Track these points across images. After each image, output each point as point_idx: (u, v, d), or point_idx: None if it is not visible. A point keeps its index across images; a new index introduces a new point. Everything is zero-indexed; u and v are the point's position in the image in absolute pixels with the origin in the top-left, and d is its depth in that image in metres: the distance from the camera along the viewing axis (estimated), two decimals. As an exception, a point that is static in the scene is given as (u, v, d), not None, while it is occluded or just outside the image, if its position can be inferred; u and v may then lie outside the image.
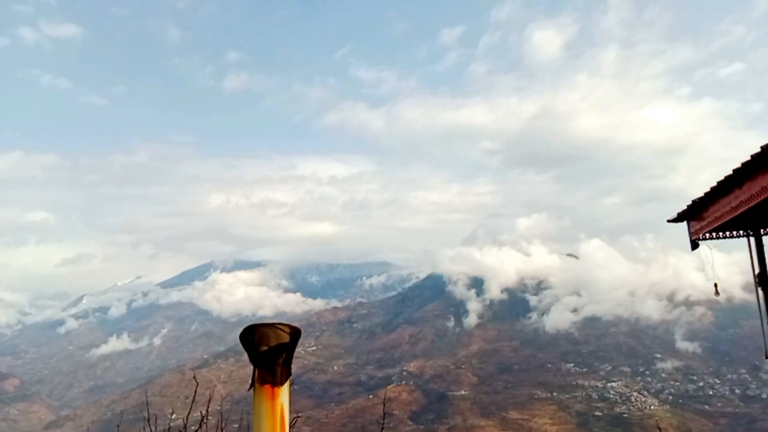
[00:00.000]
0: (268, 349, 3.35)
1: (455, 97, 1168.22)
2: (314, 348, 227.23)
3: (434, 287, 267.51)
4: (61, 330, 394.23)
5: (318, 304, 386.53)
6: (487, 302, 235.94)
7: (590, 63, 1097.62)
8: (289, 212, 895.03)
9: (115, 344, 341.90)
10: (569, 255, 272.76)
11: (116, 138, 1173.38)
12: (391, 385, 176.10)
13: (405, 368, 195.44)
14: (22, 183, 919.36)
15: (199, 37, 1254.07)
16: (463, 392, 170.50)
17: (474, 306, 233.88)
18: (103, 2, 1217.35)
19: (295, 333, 3.48)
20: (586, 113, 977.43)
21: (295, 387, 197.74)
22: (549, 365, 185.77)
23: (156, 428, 8.91)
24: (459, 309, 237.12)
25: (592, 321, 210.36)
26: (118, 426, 12.45)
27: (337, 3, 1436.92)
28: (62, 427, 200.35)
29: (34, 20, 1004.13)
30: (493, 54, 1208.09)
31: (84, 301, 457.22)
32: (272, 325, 3.48)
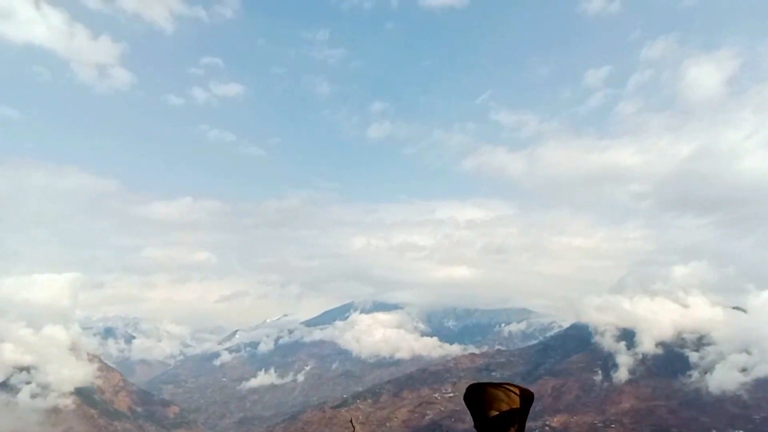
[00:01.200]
0: (499, 414, 2.91)
1: (601, 138, 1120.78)
2: (451, 394, 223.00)
3: (579, 337, 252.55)
4: (217, 362, 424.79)
5: (455, 349, 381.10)
6: (640, 356, 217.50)
7: (756, 98, 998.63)
8: (428, 256, 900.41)
9: (263, 378, 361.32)
10: (735, 308, 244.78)
11: (271, 185, 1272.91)
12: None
13: (548, 422, 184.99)
14: (190, 226, 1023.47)
15: (346, 90, 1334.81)
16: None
17: (624, 360, 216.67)
18: (264, 63, 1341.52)
19: (528, 397, 3.02)
20: (752, 152, 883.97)
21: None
22: (714, 431, 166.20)
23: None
24: (607, 362, 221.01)
25: (765, 383, 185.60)
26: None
27: (479, 52, 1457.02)
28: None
29: (205, 81, 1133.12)
30: (643, 93, 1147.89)
31: (237, 336, 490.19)
32: (501, 385, 3.11)
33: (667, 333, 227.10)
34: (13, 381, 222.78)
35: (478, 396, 2.97)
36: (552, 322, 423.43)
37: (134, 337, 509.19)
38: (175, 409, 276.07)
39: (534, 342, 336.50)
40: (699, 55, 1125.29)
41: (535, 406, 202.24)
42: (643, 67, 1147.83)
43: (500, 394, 2.96)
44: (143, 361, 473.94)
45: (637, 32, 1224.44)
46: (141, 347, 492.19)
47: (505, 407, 2.91)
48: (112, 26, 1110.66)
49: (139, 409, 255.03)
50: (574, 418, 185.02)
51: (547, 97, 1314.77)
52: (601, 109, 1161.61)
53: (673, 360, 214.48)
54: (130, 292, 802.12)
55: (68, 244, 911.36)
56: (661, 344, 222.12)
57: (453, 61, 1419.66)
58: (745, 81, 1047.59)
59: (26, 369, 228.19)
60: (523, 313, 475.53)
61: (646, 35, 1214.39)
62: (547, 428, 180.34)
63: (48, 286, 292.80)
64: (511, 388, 3.07)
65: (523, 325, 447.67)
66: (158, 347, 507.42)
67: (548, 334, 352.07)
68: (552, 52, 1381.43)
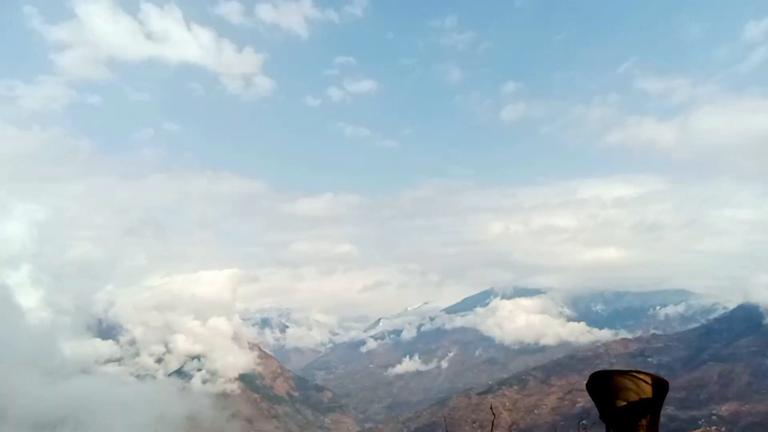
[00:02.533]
0: (627, 405, 2.68)
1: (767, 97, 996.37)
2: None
3: (748, 319, 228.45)
4: (363, 349, 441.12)
5: (605, 334, 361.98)
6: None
7: None
8: (571, 238, 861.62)
9: (408, 365, 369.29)
10: None
11: (405, 175, 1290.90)
12: (698, 430, 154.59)
13: (715, 411, 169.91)
14: (333, 220, 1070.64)
15: (477, 74, 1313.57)
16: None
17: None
18: (394, 56, 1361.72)
19: (662, 387, 2.72)
20: None
21: (584, 422, 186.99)
22: None
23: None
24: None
25: None
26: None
27: (619, 17, 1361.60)
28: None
29: (340, 80, 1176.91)
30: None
31: (381, 324, 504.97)
32: (628, 372, 2.83)
33: None
34: (186, 368, 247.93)
35: (603, 385, 2.76)
36: (715, 303, 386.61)
37: (287, 327, 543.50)
38: (329, 394, 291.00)
39: (695, 325, 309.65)
40: None
41: (699, 394, 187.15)
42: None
43: (628, 382, 2.74)
44: (297, 349, 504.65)
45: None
46: (294, 336, 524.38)
47: (634, 397, 2.69)
48: (253, 38, 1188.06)
49: (296, 394, 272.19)
50: (746, 406, 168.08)
51: (701, 58, 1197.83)
52: (766, 65, 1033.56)
53: None
54: (282, 284, 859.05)
55: (226, 242, 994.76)
56: None
57: (589, 31, 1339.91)
58: None
59: (197, 357, 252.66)
60: (681, 295, 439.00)
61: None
62: (714, 417, 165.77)
63: (211, 282, 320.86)
64: (641, 377, 2.79)
65: (681, 308, 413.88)
66: (309, 335, 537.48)
67: (711, 317, 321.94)
68: (703, 7, 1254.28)
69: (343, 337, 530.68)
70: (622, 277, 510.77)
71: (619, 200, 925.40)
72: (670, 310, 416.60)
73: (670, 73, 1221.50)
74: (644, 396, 2.64)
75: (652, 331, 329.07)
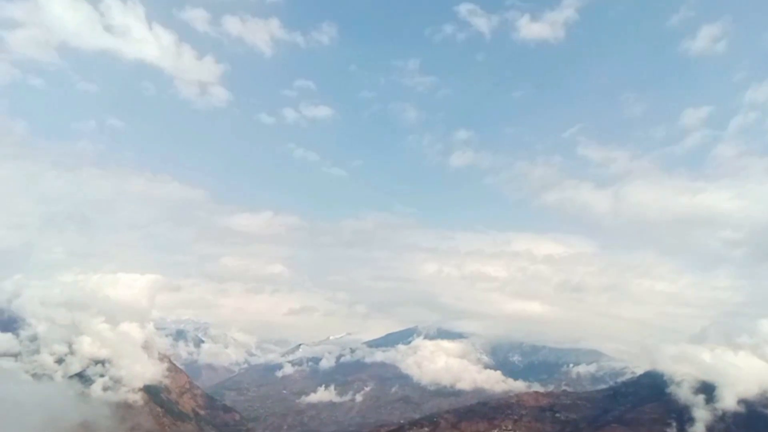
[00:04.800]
0: None
1: (695, 180, 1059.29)
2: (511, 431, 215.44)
3: (653, 386, 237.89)
4: (279, 374, 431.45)
5: (518, 385, 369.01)
6: (720, 413, 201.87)
7: None
8: (499, 287, 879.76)
9: (323, 395, 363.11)
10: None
11: (349, 205, 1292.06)
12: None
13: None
14: (268, 239, 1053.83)
15: (432, 117, 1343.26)
16: None
17: (702, 414, 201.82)
18: (354, 88, 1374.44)
19: None
20: None
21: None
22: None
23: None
24: (683, 415, 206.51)
25: None
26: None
27: (571, 86, 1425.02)
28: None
29: (297, 103, 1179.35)
30: (745, 136, 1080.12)
31: (300, 350, 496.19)
32: None
33: (750, 390, 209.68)
34: (88, 372, 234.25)
35: None
36: (624, 368, 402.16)
37: (203, 342, 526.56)
38: (236, 416, 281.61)
39: (603, 386, 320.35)
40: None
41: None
42: (747, 109, 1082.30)
43: None
44: (210, 366, 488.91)
45: (743, 74, 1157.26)
46: (209, 352, 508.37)
47: None
48: (215, 48, 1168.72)
49: (202, 412, 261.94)
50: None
51: (640, 135, 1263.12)
52: (698, 150, 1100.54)
53: (756, 420, 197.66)
54: (204, 297, 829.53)
55: (155, 247, 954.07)
56: (743, 402, 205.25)
57: (543, 94, 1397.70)
58: None
59: (101, 362, 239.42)
60: (594, 355, 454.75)
61: (752, 77, 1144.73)
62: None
63: (129, 286, 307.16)
64: None
65: (593, 368, 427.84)
66: (225, 353, 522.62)
67: (619, 380, 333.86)
68: (649, 89, 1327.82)
69: (260, 359, 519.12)
70: (541, 331, 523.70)
71: (548, 257, 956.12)
72: (582, 368, 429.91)
73: (610, 144, 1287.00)
74: None
75: (563, 387, 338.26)
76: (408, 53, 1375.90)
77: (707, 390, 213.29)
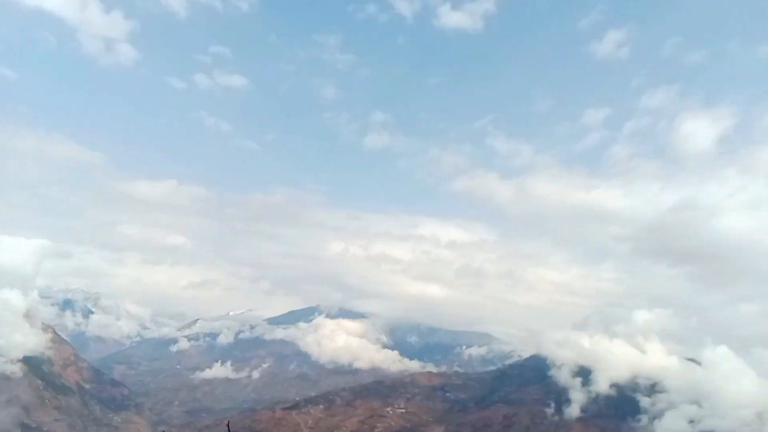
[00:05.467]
0: None
1: (591, 177, 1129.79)
2: (403, 411, 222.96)
3: (536, 369, 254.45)
4: (173, 348, 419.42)
5: (414, 365, 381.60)
6: (593, 395, 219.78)
7: (743, 160, 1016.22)
8: (403, 270, 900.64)
9: (218, 370, 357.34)
10: (690, 359, 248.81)
11: (259, 179, 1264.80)
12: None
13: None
14: (171, 209, 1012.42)
15: (350, 96, 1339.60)
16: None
17: (578, 396, 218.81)
18: (272, 59, 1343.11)
19: None
20: (733, 211, 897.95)
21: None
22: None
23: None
24: (561, 397, 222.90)
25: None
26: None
27: (485, 78, 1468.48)
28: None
29: (210, 69, 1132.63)
30: (637, 139, 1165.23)
31: (198, 325, 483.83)
32: None
33: (622, 375, 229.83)
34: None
35: None
36: (512, 351, 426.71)
37: (93, 312, 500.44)
38: (124, 390, 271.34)
39: (492, 368, 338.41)
40: (697, 110, 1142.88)
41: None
42: (641, 114, 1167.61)
43: None
44: (98, 338, 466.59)
45: (641, 79, 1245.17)
46: (98, 323, 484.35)
47: None
48: (125, 2, 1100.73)
49: (87, 386, 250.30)
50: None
51: (545, 131, 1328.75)
52: (596, 149, 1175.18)
53: (624, 402, 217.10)
54: (97, 266, 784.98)
55: (44, 210, 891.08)
56: (615, 386, 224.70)
57: (459, 83, 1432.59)
58: (736, 141, 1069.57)
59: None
60: (486, 338, 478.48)
61: (649, 83, 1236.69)
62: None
63: (13, 250, 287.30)
64: None
65: (484, 350, 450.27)
66: (116, 325, 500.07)
67: (507, 362, 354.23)
68: (556, 88, 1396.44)
69: (154, 333, 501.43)
70: (439, 313, 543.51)
71: (452, 243, 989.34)
72: (475, 351, 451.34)
73: (518, 137, 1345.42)
74: None
75: (456, 368, 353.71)
76: (330, 29, 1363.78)
77: (584, 374, 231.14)
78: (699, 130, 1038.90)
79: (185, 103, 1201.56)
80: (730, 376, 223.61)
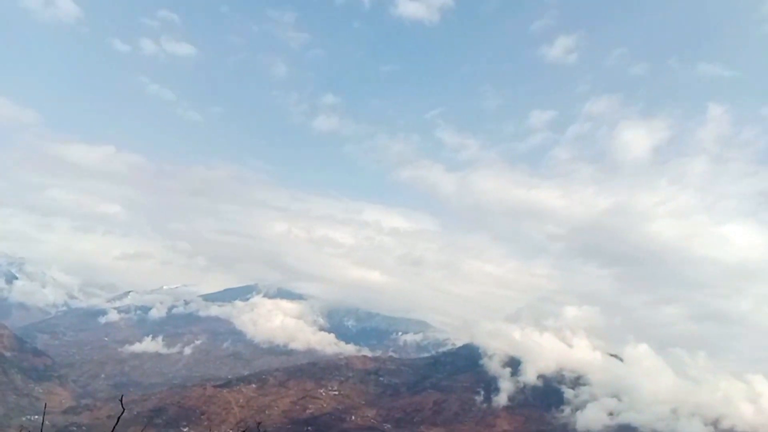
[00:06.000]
0: None
1: (532, 176, 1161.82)
2: (336, 393, 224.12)
3: (469, 357, 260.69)
4: (102, 320, 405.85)
5: (349, 348, 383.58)
6: (521, 385, 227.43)
7: (674, 171, 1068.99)
8: (345, 254, 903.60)
9: (149, 345, 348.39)
10: (613, 355, 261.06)
11: (201, 152, 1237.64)
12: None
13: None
14: (106, 176, 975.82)
15: (302, 76, 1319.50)
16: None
17: (506, 385, 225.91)
18: (223, 31, 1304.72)
19: None
20: (662, 219, 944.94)
21: (309, 428, 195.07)
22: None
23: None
24: (490, 385, 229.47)
25: (627, 429, 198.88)
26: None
27: (437, 70, 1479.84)
28: (79, 414, 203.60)
29: (157, 35, 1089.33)
30: (578, 143, 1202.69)
31: (129, 297, 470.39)
32: None
33: (549, 367, 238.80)
34: None
35: None
36: (446, 339, 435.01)
37: (17, 278, 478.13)
38: (47, 360, 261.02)
39: (426, 355, 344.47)
40: (635, 119, 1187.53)
41: (414, 417, 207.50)
42: (584, 119, 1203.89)
43: None
44: (22, 305, 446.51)
45: (586, 86, 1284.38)
46: (22, 290, 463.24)
47: None
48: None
49: (7, 354, 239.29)
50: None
51: (492, 128, 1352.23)
52: (539, 150, 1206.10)
53: (549, 393, 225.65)
54: (23, 230, 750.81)
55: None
56: (542, 377, 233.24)
57: (411, 73, 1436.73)
58: (669, 152, 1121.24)
59: None
60: (422, 326, 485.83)
61: (593, 91, 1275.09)
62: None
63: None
64: None
65: (419, 337, 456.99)
66: (41, 293, 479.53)
67: (441, 350, 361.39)
68: (505, 86, 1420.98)
69: (82, 303, 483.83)
70: (377, 299, 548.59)
71: (395, 230, 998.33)
72: (410, 337, 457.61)
73: (465, 132, 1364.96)
74: None
75: (390, 353, 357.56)
76: (285, 5, 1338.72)
77: (513, 364, 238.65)
78: (636, 140, 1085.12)
79: (128, 67, 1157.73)
80: (649, 373, 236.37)
